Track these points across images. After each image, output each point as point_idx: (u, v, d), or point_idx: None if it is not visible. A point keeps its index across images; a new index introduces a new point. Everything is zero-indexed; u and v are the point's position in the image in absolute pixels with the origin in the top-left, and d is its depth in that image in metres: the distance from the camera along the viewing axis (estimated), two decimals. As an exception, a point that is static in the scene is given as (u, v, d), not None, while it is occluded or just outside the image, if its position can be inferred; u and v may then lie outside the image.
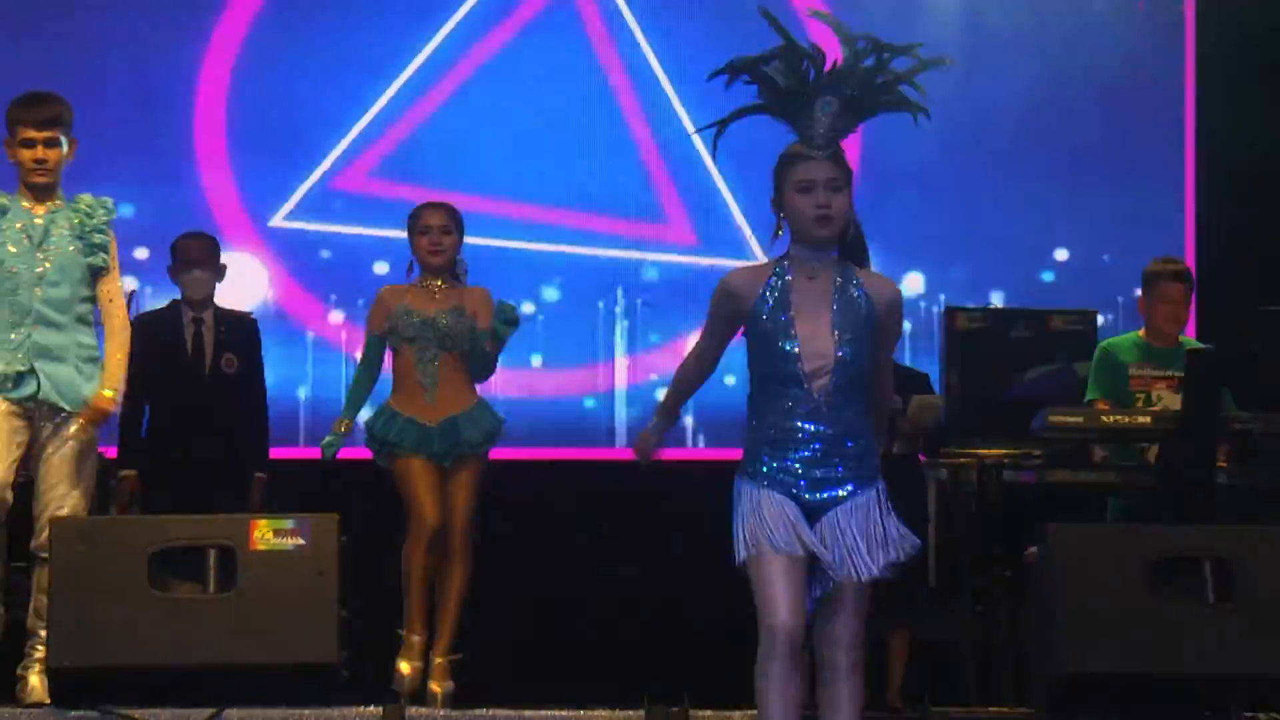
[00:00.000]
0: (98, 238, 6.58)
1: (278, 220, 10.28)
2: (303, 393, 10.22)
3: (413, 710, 6.36)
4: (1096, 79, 10.58)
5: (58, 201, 6.64)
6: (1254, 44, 10.14)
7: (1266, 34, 10.06)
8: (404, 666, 6.85)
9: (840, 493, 4.82)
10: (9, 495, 6.49)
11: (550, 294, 10.41)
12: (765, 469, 4.92)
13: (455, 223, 7.34)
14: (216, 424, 7.74)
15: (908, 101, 5.00)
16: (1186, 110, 10.58)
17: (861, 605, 4.78)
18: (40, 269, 6.43)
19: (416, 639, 6.93)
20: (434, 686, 6.88)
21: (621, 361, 10.40)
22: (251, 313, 8.94)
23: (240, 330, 8.04)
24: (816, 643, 4.88)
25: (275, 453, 8.37)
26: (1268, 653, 5.92)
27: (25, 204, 6.52)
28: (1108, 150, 10.52)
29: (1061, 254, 10.20)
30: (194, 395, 7.68)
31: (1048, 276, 10.11)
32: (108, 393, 6.55)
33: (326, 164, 10.44)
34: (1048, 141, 10.59)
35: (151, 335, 7.53)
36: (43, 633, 6.28)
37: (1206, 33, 10.43)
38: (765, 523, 4.83)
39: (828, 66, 4.96)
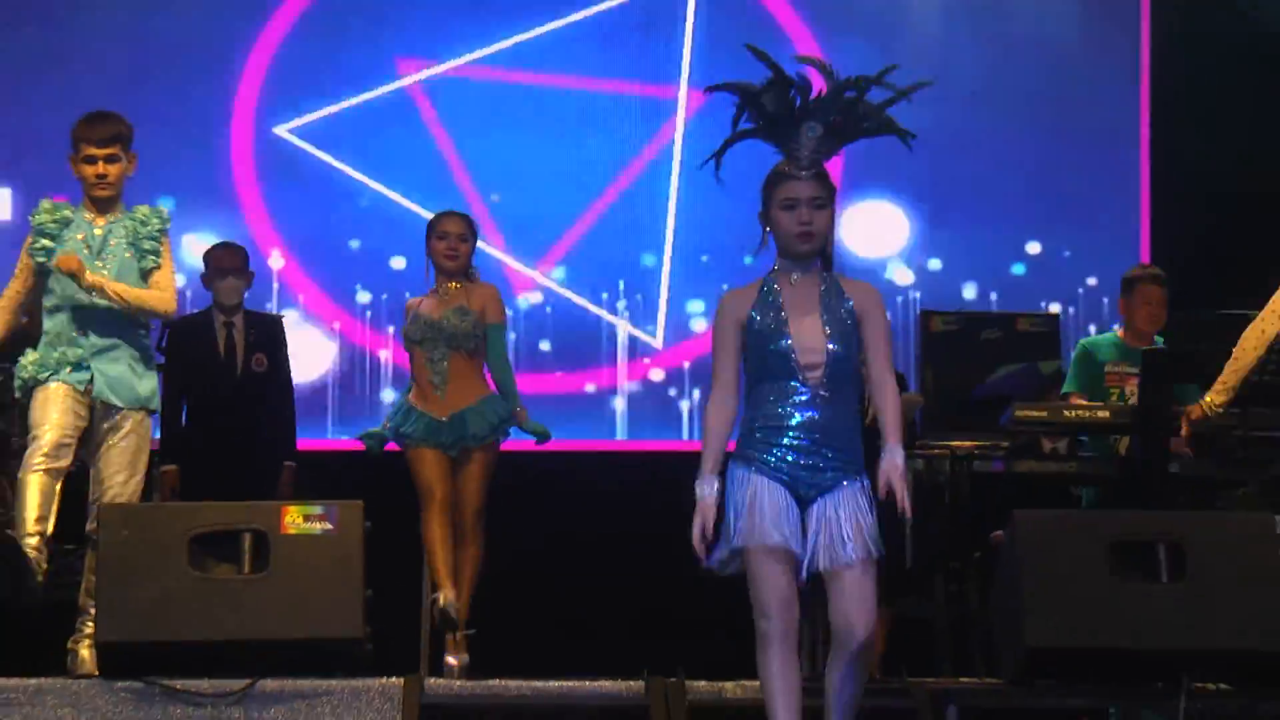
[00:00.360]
0: (149, 244, 6.66)
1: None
2: (329, 385, 10.16)
3: (431, 681, 6.37)
4: (1056, 98, 10.38)
5: (117, 213, 6.78)
6: (1207, 48, 10.04)
7: (1219, 39, 9.96)
8: (444, 597, 7.01)
9: (829, 482, 4.88)
10: (68, 456, 6.55)
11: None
12: (759, 454, 4.97)
13: (471, 230, 7.46)
14: (248, 418, 7.92)
15: (893, 126, 5.08)
16: (1141, 125, 10.37)
17: (869, 586, 4.83)
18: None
19: (449, 592, 7.10)
20: (450, 659, 7.01)
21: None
22: (281, 314, 9.10)
23: (268, 330, 8.20)
24: (831, 616, 4.93)
25: (302, 444, 8.44)
26: (1216, 628, 6.00)
27: (88, 216, 6.69)
28: (1068, 153, 10.42)
29: (1034, 247, 10.14)
30: (227, 393, 7.84)
31: (1018, 269, 10.08)
32: (101, 275, 6.62)
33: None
34: (1013, 141, 10.47)
35: (187, 339, 7.79)
36: (92, 610, 6.39)
37: (1159, 42, 10.28)
38: (760, 515, 4.90)
39: (813, 94, 5.03)
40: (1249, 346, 6.72)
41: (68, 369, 6.63)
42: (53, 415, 6.62)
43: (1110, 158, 10.45)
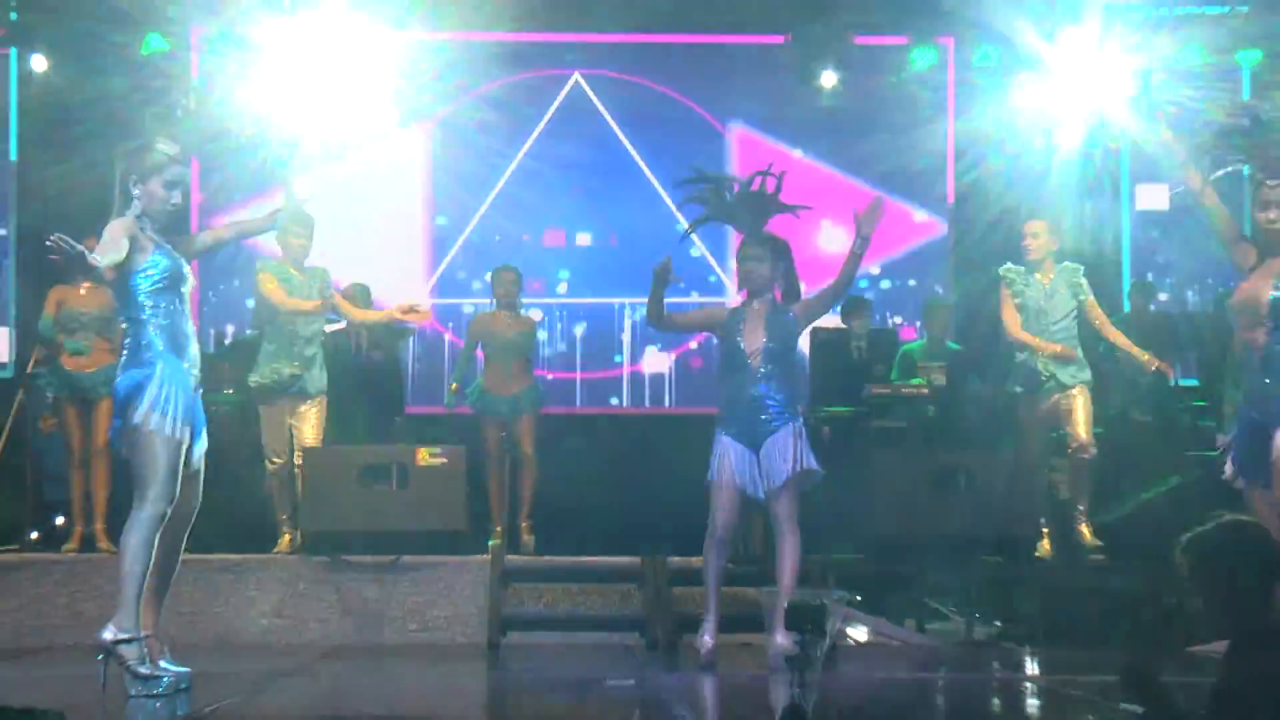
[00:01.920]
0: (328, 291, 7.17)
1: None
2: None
3: (509, 556, 7.11)
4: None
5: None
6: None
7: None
8: (498, 531, 7.66)
9: (771, 428, 5.43)
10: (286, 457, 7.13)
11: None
12: (727, 421, 5.50)
13: (519, 280, 8.00)
14: (372, 391, 8.03)
15: (790, 206, 5.65)
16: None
17: (794, 494, 5.44)
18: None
19: (499, 527, 7.69)
20: (525, 537, 7.61)
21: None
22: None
23: (382, 334, 8.14)
24: (770, 517, 5.56)
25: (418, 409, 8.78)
26: (986, 523, 6.64)
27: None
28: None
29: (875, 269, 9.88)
30: (357, 374, 7.92)
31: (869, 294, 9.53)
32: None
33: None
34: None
35: (336, 342, 7.77)
36: (284, 516, 7.18)
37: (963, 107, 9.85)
38: (723, 466, 5.51)
39: (738, 189, 5.62)
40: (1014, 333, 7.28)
41: (292, 383, 7.17)
42: None
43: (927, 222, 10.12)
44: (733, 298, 6.18)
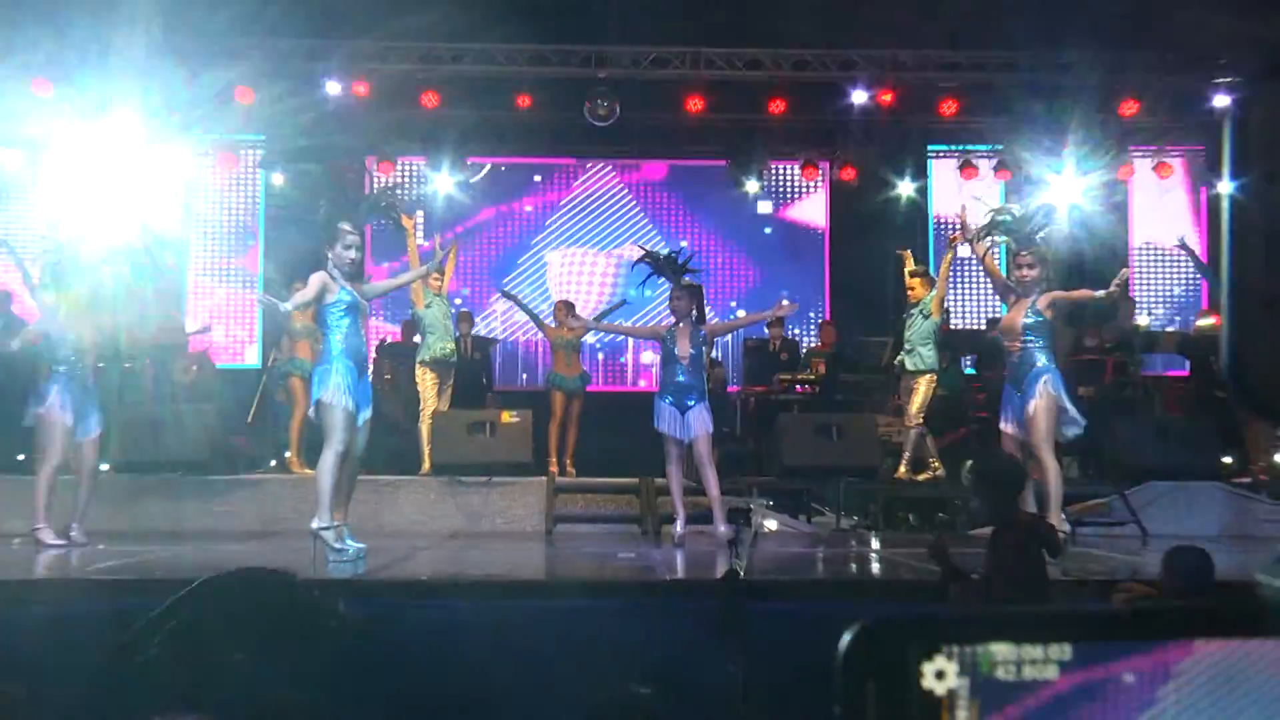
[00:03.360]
0: None
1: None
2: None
3: (559, 478, 7.04)
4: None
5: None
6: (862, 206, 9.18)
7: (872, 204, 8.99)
8: (554, 467, 7.32)
9: (692, 403, 5.42)
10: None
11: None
12: (663, 392, 5.49)
13: (573, 308, 7.63)
14: (473, 378, 7.92)
15: (693, 271, 5.58)
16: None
17: (707, 444, 5.41)
18: None
19: (554, 467, 7.35)
20: (569, 468, 7.41)
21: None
22: (490, 334, 9.01)
23: (482, 342, 8.32)
24: (694, 457, 5.50)
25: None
26: (855, 458, 6.52)
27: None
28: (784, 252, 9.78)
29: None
30: (465, 367, 7.67)
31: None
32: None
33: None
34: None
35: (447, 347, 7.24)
36: (428, 449, 6.85)
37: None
38: (661, 419, 5.48)
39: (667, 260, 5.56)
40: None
41: (451, 355, 6.95)
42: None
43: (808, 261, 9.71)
44: (664, 321, 6.06)
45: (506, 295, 7.79)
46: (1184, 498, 6.26)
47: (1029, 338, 4.94)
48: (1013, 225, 4.99)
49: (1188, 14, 6.73)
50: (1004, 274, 5.47)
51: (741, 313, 9.24)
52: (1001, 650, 0.68)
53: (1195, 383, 7.38)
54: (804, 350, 8.42)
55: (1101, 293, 4.98)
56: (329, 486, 4.51)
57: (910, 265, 7.02)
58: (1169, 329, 8.70)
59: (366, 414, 4.71)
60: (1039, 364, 4.90)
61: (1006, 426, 4.99)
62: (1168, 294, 9.54)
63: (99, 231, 6.48)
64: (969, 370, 7.98)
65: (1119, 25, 7.17)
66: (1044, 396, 4.84)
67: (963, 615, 0.69)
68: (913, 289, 6.92)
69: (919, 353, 6.86)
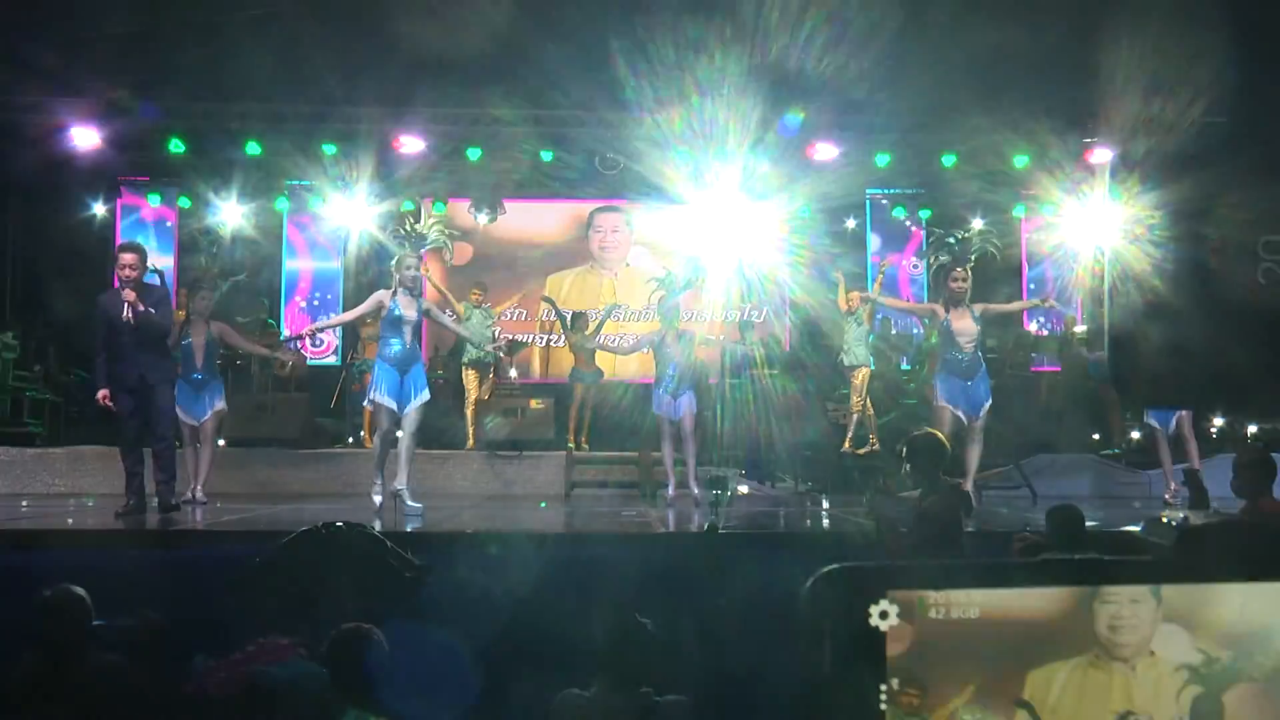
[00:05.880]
0: None
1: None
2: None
3: (575, 452, 6.76)
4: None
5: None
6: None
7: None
8: (572, 443, 6.93)
9: (679, 392, 5.31)
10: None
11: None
12: (659, 383, 5.36)
13: (588, 322, 7.25)
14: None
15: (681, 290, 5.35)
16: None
17: (692, 423, 5.30)
18: None
19: (572, 442, 6.97)
20: (584, 444, 7.01)
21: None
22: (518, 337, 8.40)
23: (509, 347, 7.49)
24: (681, 433, 5.34)
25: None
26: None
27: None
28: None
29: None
30: (500, 367, 7.26)
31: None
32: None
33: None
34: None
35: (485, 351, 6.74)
36: (470, 430, 6.74)
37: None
38: (659, 404, 5.36)
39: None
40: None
41: (487, 356, 6.62)
42: None
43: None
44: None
45: (549, 303, 7.68)
46: (1063, 466, 6.30)
47: (978, 340, 4.89)
48: (955, 248, 5.07)
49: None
50: (904, 302, 5.60)
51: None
52: (933, 596, 0.68)
53: (1070, 376, 7.25)
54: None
55: (1019, 305, 5.18)
56: (378, 457, 4.59)
57: (843, 285, 6.91)
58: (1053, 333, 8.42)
59: (416, 402, 4.59)
60: (983, 363, 4.91)
61: (957, 410, 4.85)
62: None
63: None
64: (904, 366, 7.86)
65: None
66: (990, 393, 4.93)
67: (903, 567, 0.69)
68: (850, 302, 6.83)
69: (854, 351, 6.76)
